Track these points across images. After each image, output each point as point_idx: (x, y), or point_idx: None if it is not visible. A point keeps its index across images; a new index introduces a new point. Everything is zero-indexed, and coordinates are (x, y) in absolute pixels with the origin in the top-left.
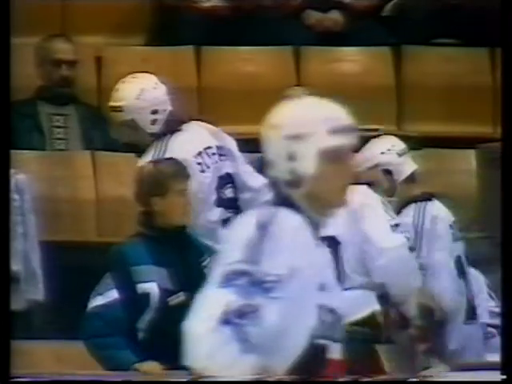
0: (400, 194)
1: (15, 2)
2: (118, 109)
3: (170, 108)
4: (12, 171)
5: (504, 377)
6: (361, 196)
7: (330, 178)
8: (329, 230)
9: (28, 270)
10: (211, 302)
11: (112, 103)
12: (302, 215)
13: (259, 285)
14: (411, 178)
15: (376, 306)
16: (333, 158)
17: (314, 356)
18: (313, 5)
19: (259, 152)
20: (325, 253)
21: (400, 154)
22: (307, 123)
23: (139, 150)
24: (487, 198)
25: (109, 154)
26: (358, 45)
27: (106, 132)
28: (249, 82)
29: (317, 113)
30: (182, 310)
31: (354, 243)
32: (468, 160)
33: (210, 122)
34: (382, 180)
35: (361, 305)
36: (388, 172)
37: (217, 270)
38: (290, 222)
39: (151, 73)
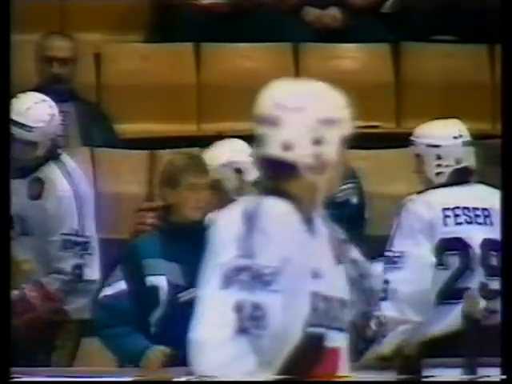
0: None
1: None
2: (28, 128)
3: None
4: None
5: (504, 377)
6: None
7: (342, 166)
8: None
9: None
10: (219, 306)
11: (24, 121)
12: (292, 203)
13: (259, 278)
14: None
15: None
16: (346, 146)
17: (309, 345)
18: (311, 1)
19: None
20: (316, 239)
21: (250, 155)
22: (336, 108)
23: (24, 170)
24: None
25: (108, 150)
26: (356, 41)
27: (105, 129)
28: (248, 78)
29: (340, 98)
30: (194, 306)
31: None
32: None
33: None
34: (231, 179)
35: None
36: (238, 171)
37: (213, 271)
38: (276, 210)
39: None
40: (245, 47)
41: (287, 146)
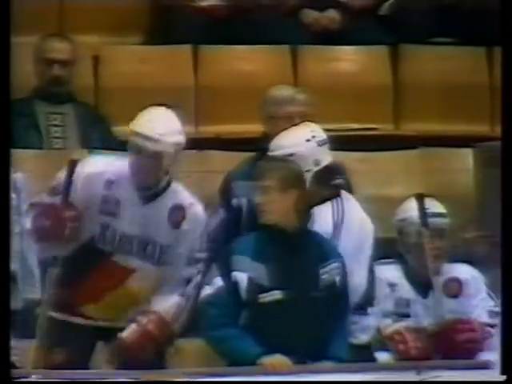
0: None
1: (14, 1)
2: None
3: None
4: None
5: (504, 377)
6: None
7: None
8: None
9: (25, 268)
10: None
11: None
12: None
13: None
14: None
15: None
16: None
17: None
18: (310, 4)
19: (255, 151)
20: None
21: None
22: None
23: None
24: (484, 196)
25: (106, 152)
26: (355, 44)
27: (104, 131)
28: (246, 81)
29: None
30: (276, 308)
31: None
32: (465, 159)
33: None
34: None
35: None
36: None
37: None
38: None
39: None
40: (243, 49)
41: None
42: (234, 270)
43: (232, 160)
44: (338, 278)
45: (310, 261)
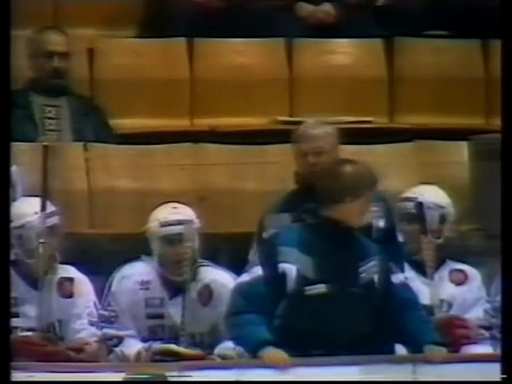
0: None
1: None
2: None
3: None
4: None
5: (504, 376)
6: None
7: None
8: None
9: None
10: None
11: None
12: None
13: None
14: None
15: None
16: None
17: None
18: None
19: (250, 144)
20: None
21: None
22: None
23: None
24: (480, 189)
25: (100, 145)
26: (350, 37)
27: (98, 124)
28: (241, 74)
29: None
30: (319, 301)
31: None
32: (460, 152)
33: None
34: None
35: None
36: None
37: None
38: None
39: None
40: (238, 42)
41: None
42: (281, 262)
43: (226, 153)
44: (376, 276)
45: (351, 257)
